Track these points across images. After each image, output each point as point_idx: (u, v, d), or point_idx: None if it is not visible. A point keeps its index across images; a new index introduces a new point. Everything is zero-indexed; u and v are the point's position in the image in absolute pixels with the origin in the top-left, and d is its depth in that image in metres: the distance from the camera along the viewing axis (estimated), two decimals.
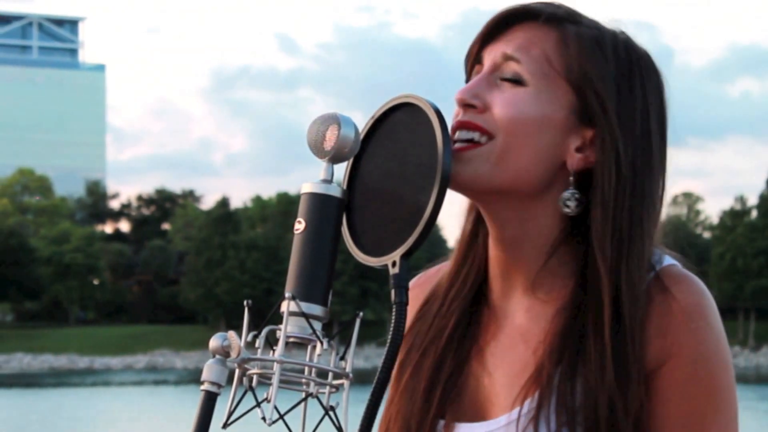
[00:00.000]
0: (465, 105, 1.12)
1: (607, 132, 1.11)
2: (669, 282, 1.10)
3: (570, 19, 1.13)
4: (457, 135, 1.12)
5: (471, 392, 1.15)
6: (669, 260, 1.13)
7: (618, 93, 1.12)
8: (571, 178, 1.12)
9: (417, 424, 1.15)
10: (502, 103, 1.11)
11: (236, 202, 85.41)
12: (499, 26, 1.14)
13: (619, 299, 1.10)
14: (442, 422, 1.15)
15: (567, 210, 1.12)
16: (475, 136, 1.12)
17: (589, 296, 1.11)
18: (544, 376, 1.10)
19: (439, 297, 1.20)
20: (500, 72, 1.13)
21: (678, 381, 1.09)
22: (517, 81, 1.12)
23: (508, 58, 1.12)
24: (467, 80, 1.16)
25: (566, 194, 1.12)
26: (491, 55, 1.14)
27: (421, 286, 1.24)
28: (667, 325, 1.09)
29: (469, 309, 1.18)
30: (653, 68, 1.15)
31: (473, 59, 1.15)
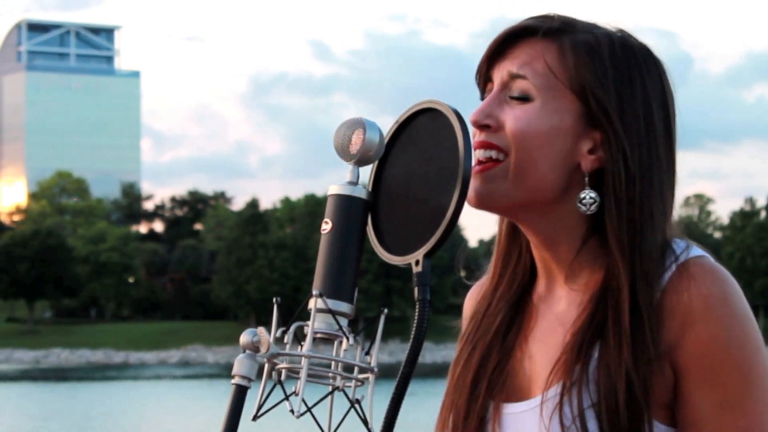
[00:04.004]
0: (480, 126, 1.18)
1: (612, 134, 1.16)
2: (694, 271, 1.14)
3: (566, 29, 1.18)
4: (478, 154, 1.18)
5: (516, 375, 1.21)
6: (697, 251, 1.17)
7: (618, 95, 1.16)
8: (586, 179, 1.17)
9: (466, 408, 1.21)
10: (513, 121, 1.16)
11: (269, 204, 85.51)
12: (503, 45, 1.20)
13: (635, 286, 1.14)
14: (492, 404, 1.21)
15: (583, 209, 1.17)
16: (493, 154, 1.17)
17: (611, 283, 1.16)
18: (571, 358, 1.15)
19: (487, 298, 1.26)
20: (509, 90, 1.18)
21: (709, 368, 1.12)
22: (524, 98, 1.17)
23: (514, 76, 1.18)
24: (481, 95, 1.22)
25: (581, 195, 1.17)
26: (499, 74, 1.19)
27: (477, 289, 1.30)
28: (689, 312, 1.13)
29: (515, 306, 1.24)
30: (652, 60, 1.19)
31: (484, 77, 1.21)
